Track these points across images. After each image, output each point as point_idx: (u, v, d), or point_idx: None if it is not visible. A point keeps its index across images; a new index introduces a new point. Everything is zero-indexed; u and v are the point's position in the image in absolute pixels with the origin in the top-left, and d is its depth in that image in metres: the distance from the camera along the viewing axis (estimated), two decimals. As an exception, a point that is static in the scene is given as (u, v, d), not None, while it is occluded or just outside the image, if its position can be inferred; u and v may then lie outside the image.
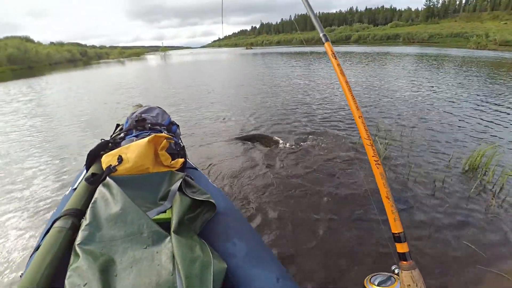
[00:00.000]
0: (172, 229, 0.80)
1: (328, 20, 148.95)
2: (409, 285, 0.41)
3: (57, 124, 5.45)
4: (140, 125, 1.54)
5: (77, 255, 0.73)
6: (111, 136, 1.72)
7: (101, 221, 0.83)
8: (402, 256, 0.43)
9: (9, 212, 2.39)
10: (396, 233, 0.44)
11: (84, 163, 1.32)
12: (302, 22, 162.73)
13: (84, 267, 0.68)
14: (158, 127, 1.57)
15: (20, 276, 0.86)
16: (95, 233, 0.79)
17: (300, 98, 6.58)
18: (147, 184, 1.08)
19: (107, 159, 1.14)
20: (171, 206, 0.96)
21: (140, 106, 2.24)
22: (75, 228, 0.86)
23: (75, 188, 1.18)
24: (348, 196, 2.40)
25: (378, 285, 0.50)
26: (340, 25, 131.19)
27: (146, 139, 1.18)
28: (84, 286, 0.64)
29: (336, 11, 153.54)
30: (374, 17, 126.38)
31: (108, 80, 13.72)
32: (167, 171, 1.16)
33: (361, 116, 0.57)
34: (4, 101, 8.65)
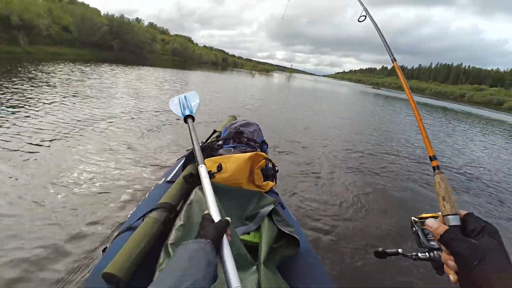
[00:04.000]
0: (262, 260, 0.78)
1: (478, 77, 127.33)
2: (439, 182, 0.53)
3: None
4: (237, 137, 1.59)
5: (168, 254, 0.73)
6: (207, 140, 1.75)
7: (194, 226, 0.85)
8: (436, 167, 0.56)
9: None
10: (431, 155, 0.59)
11: (179, 158, 1.41)
12: (444, 73, 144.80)
13: None
14: (253, 143, 1.61)
15: (103, 251, 0.85)
16: (186, 236, 0.80)
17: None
18: (238, 199, 1.09)
19: (208, 164, 1.15)
20: (257, 230, 0.97)
21: (235, 117, 2.21)
22: (166, 222, 0.89)
23: (169, 181, 1.26)
24: None
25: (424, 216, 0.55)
26: (493, 85, 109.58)
27: (248, 155, 1.20)
28: None
29: (492, 68, 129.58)
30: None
31: (244, 90, 15.04)
32: (257, 191, 1.16)
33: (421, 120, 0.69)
34: (156, 83, 10.48)
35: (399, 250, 0.61)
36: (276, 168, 1.42)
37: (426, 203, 3.17)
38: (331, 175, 3.57)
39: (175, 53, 45.26)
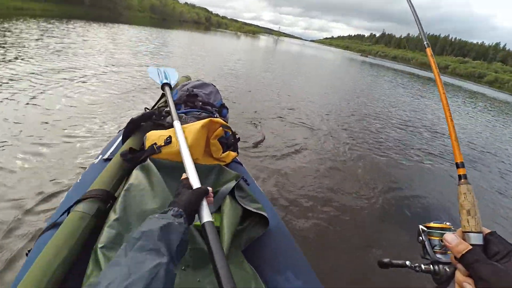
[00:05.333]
0: (224, 248, 0.66)
1: (463, 49, 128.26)
2: (465, 193, 0.48)
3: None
4: (190, 100, 1.38)
5: (97, 262, 0.57)
6: (155, 105, 1.52)
7: (132, 218, 0.67)
8: (463, 176, 0.51)
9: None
10: (458, 162, 0.54)
11: (121, 129, 1.23)
12: (431, 44, 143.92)
13: None
14: (209, 108, 1.40)
15: (27, 254, 0.68)
16: (123, 234, 0.63)
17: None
18: None
19: (154, 137, 0.97)
20: (218, 211, 0.82)
21: (189, 78, 1.94)
22: (99, 215, 0.71)
23: (106, 159, 1.03)
24: None
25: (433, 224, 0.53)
26: (476, 59, 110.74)
27: (200, 123, 1.01)
28: None
29: (477, 42, 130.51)
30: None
31: (231, 53, 14.08)
32: (216, 164, 1.00)
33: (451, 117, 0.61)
34: (130, 44, 9.51)
35: (407, 262, 0.55)
36: (237, 136, 1.26)
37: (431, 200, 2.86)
38: (320, 149, 3.30)
39: (153, 9, 41.84)
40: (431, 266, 0.50)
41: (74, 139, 2.46)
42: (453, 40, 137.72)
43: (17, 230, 1.46)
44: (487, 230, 0.44)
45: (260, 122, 3.86)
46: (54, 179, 1.90)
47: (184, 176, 0.64)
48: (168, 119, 1.20)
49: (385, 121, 5.64)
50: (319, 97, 6.71)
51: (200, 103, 1.39)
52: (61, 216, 0.73)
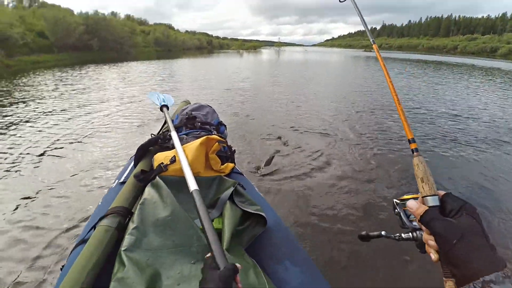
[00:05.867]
0: (224, 247, 0.75)
1: (469, 26, 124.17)
2: (417, 164, 0.53)
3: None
4: (190, 123, 1.51)
5: (122, 262, 0.67)
6: (160, 131, 1.70)
7: (148, 226, 0.78)
8: (415, 150, 0.57)
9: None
10: (410, 138, 0.60)
11: (132, 155, 1.38)
12: (435, 26, 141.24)
13: (129, 280, 0.63)
14: (207, 127, 1.53)
15: (61, 268, 0.79)
16: (142, 239, 0.74)
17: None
18: None
19: (160, 158, 1.10)
20: (220, 215, 0.93)
21: (188, 102, 2.11)
22: (121, 228, 0.82)
23: (122, 182, 1.16)
24: None
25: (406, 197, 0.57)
26: (485, 33, 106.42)
27: (198, 141, 1.14)
28: None
29: (483, 16, 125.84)
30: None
31: (236, 72, 14.36)
32: (216, 176, 1.12)
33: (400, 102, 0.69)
34: (139, 80, 9.92)
35: (382, 232, 0.61)
36: (233, 149, 1.40)
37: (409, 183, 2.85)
38: (341, 159, 3.25)
39: (157, 43, 43.53)
40: (411, 234, 0.55)
41: (94, 169, 2.85)
42: (457, 18, 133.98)
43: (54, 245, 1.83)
44: (442, 192, 0.49)
45: (273, 136, 3.89)
46: (81, 203, 2.30)
47: (208, 254, 0.61)
48: (171, 141, 1.34)
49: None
50: (330, 104, 6.68)
51: (199, 123, 1.53)
52: (88, 232, 0.84)
